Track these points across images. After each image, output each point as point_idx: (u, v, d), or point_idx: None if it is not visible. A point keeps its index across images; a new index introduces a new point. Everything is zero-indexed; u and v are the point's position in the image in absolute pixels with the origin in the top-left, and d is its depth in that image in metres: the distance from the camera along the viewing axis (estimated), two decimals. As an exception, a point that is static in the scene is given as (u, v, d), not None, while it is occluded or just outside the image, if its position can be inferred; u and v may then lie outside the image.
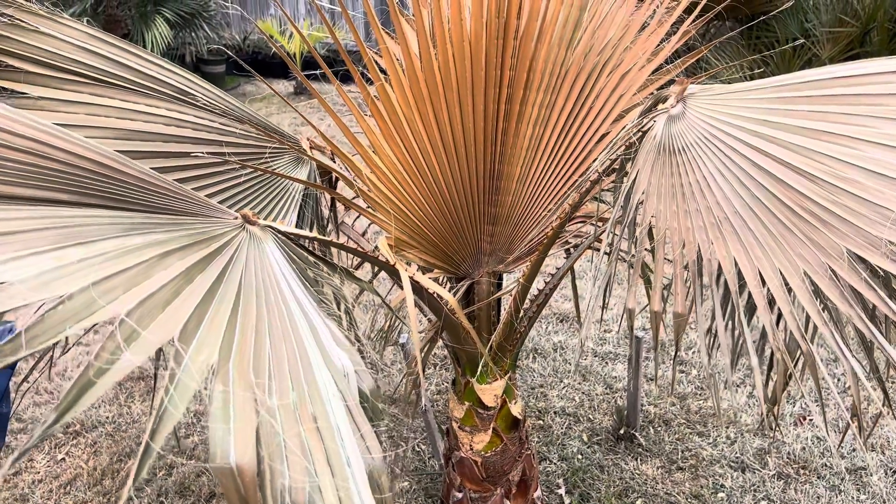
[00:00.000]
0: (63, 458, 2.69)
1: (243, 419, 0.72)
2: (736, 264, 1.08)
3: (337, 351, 0.96)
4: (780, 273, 1.03)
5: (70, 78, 1.31)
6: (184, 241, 0.95)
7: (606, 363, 3.29)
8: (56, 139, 0.95)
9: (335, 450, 0.80)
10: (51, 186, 0.93)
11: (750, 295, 1.08)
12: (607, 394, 3.07)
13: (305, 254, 1.15)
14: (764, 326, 1.12)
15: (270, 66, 9.66)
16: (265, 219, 1.13)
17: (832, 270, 0.97)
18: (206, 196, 1.40)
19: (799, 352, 1.10)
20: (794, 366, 1.64)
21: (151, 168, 1.06)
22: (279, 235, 1.11)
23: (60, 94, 1.30)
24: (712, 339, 1.93)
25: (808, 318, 1.03)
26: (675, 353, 1.25)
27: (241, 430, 0.70)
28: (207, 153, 1.47)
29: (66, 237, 0.84)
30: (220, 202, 1.43)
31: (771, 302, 1.07)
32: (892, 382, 3.09)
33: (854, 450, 2.64)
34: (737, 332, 1.72)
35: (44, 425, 0.66)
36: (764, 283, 1.05)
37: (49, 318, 0.72)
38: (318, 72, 1.44)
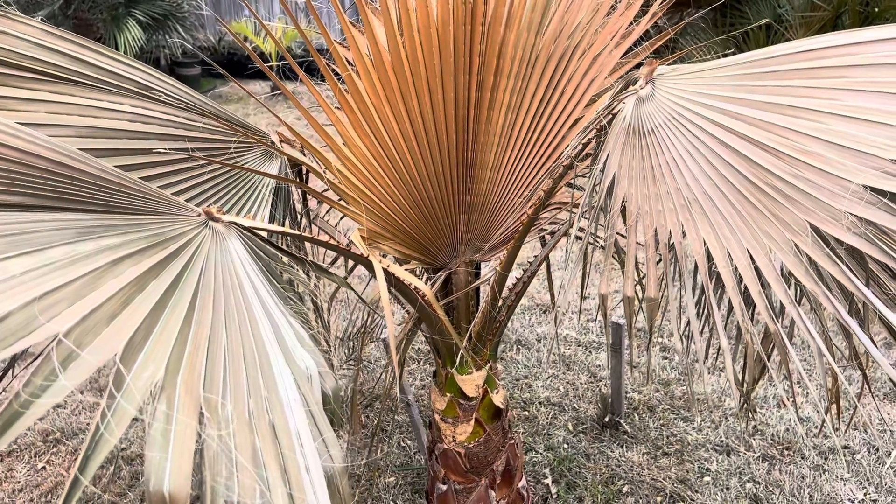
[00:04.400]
0: (43, 467, 2.65)
1: (182, 445, 0.68)
2: (706, 245, 1.08)
3: (300, 352, 0.94)
4: (748, 252, 1.02)
5: (28, 76, 1.28)
6: (140, 245, 0.91)
7: (590, 352, 3.29)
8: (10, 137, 0.93)
9: (293, 459, 0.77)
10: (2, 189, 0.89)
11: (720, 276, 1.07)
12: (591, 382, 3.07)
13: (273, 250, 1.12)
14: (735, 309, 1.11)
15: (247, 66, 9.58)
16: (236, 215, 1.11)
17: (796, 246, 0.96)
18: (173, 194, 1.37)
19: (772, 343, 1.10)
20: (771, 350, 1.64)
21: (116, 166, 1.03)
22: (244, 231, 1.09)
23: (18, 93, 1.27)
24: (688, 326, 1.93)
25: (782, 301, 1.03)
26: (650, 338, 1.25)
27: (178, 458, 0.67)
28: (175, 149, 1.45)
29: (12, 246, 0.80)
30: (188, 200, 1.40)
31: (740, 282, 1.07)
32: (873, 361, 3.11)
33: (837, 429, 2.66)
34: (711, 319, 1.72)
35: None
36: (733, 263, 1.04)
37: None
38: (281, 63, 1.42)
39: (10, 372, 1.64)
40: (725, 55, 1.23)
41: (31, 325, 0.70)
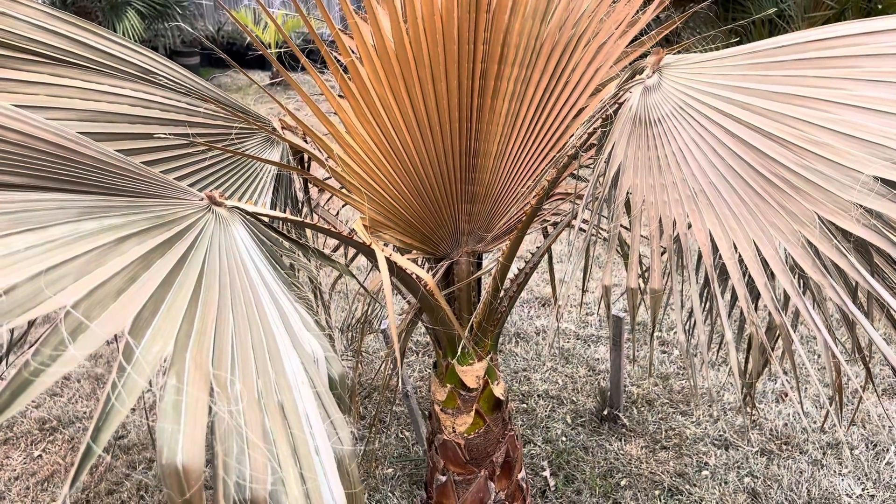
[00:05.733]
0: (40, 455, 2.64)
1: (194, 417, 0.68)
2: (711, 237, 1.07)
3: (307, 336, 0.93)
4: (754, 244, 1.01)
5: (28, 58, 1.26)
6: (143, 225, 0.90)
7: (589, 346, 3.29)
8: (9, 119, 0.91)
9: (303, 439, 0.76)
10: (2, 170, 0.88)
11: (725, 268, 1.06)
12: (590, 376, 3.07)
13: (276, 236, 1.11)
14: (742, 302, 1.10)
15: (246, 56, 9.55)
16: (238, 201, 1.10)
17: (804, 238, 0.95)
18: (174, 179, 1.36)
19: (778, 332, 1.09)
20: (774, 343, 1.64)
21: (117, 150, 1.02)
22: (247, 217, 1.08)
23: (18, 75, 1.26)
24: (693, 320, 1.93)
25: (787, 293, 1.02)
26: (652, 331, 1.24)
27: (190, 429, 0.66)
28: (176, 135, 1.43)
29: (14, 223, 0.79)
30: (189, 185, 1.39)
31: (745, 274, 1.06)
32: (875, 355, 3.11)
33: (835, 424, 2.66)
34: (714, 312, 1.72)
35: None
36: (738, 254, 1.03)
37: None
38: (281, 49, 1.40)
39: (4, 362, 1.63)
40: (729, 47, 1.22)
41: (37, 298, 0.69)
